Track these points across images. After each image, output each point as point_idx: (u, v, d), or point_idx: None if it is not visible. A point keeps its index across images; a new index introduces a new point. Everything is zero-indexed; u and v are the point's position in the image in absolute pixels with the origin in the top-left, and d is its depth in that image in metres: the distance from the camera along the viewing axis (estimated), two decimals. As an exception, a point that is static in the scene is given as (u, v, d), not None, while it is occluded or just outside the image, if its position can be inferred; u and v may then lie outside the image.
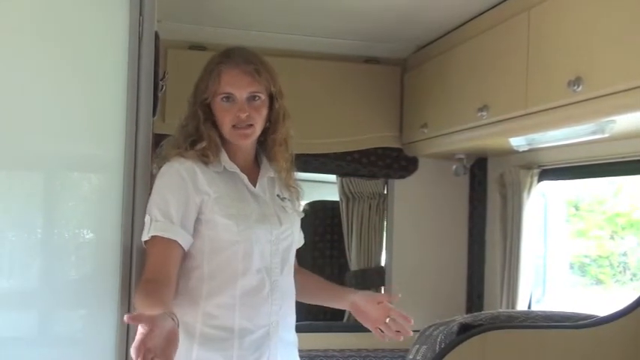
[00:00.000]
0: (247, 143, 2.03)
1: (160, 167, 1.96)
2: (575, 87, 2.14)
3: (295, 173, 2.14)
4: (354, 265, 3.87)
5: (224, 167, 1.99)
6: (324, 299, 2.24)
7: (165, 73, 2.19)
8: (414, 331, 2.06)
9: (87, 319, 1.97)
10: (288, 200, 2.10)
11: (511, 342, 2.20)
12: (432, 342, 2.15)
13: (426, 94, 3.29)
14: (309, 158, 3.34)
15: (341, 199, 3.87)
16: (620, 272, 4.35)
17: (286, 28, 3.19)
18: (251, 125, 1.97)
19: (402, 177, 3.58)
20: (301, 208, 2.23)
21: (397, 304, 2.07)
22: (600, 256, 4.34)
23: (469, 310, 3.52)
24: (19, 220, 1.90)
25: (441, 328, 2.18)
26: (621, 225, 4.25)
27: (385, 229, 3.78)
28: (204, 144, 1.96)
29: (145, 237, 1.88)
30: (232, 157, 2.01)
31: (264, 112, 2.00)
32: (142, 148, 1.94)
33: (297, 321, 2.09)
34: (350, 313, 2.19)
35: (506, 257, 3.18)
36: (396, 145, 3.52)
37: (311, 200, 4.29)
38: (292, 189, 2.13)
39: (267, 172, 2.07)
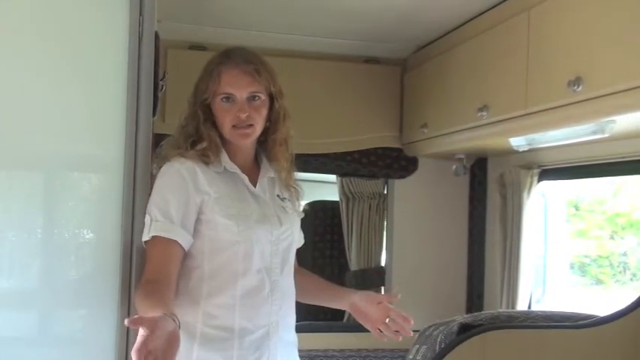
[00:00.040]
0: (247, 143, 2.03)
1: (160, 167, 1.96)
2: (575, 87, 2.14)
3: (295, 173, 2.14)
4: (354, 265, 3.87)
5: (224, 167, 1.99)
6: (323, 299, 2.24)
7: (165, 73, 2.19)
8: (414, 331, 2.06)
9: (87, 319, 1.97)
10: (288, 200, 2.10)
11: (511, 342, 2.19)
12: (432, 342, 2.15)
13: (426, 94, 3.29)
14: (309, 158, 3.34)
15: (341, 199, 3.86)
16: (620, 272, 4.35)
17: (286, 28, 3.19)
18: (251, 125, 1.97)
19: (402, 177, 3.58)
20: (301, 208, 2.23)
21: (397, 304, 2.07)
22: (600, 256, 4.34)
23: (469, 310, 3.52)
24: (19, 220, 1.90)
25: (441, 328, 2.18)
26: (621, 225, 4.25)
27: (385, 229, 3.78)
28: (204, 144, 1.96)
29: (146, 237, 1.88)
30: (232, 158, 2.01)
31: (264, 112, 2.00)
32: (142, 148, 1.94)
33: (297, 321, 2.09)
34: (350, 313, 2.19)
35: (507, 257, 3.18)
36: (396, 145, 3.52)
37: (311, 200, 4.29)
38: (292, 189, 2.13)
39: (267, 172, 2.07)
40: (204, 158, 1.96)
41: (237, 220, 1.93)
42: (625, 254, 4.31)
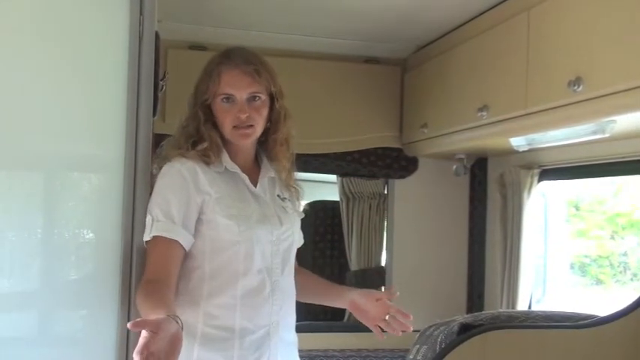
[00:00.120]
0: (248, 143, 2.03)
1: (161, 167, 1.96)
2: (576, 87, 2.14)
3: (295, 173, 2.14)
4: (354, 265, 3.87)
5: (225, 167, 1.99)
6: (323, 298, 2.24)
7: (165, 73, 2.19)
8: (414, 331, 2.06)
9: (87, 319, 1.97)
10: (289, 200, 2.10)
11: (511, 342, 2.19)
12: (432, 342, 2.15)
13: (426, 94, 3.29)
14: (309, 158, 3.34)
15: (341, 199, 3.87)
16: (620, 272, 4.35)
17: (286, 28, 3.19)
18: (251, 126, 1.97)
19: (402, 177, 3.59)
20: (301, 208, 2.23)
21: (397, 304, 2.07)
22: (600, 256, 4.34)
23: (469, 310, 3.52)
24: (19, 220, 1.89)
25: (441, 328, 2.18)
26: (621, 225, 4.25)
27: (385, 229, 3.78)
28: (205, 144, 1.96)
29: (147, 237, 1.88)
30: (233, 158, 2.01)
31: (265, 112, 2.00)
32: (142, 148, 1.94)
33: (297, 321, 2.09)
34: (350, 313, 2.19)
35: (507, 257, 3.18)
36: (396, 145, 3.52)
37: (311, 200, 4.30)
38: (292, 189, 2.13)
39: (267, 173, 2.07)
40: (205, 158, 1.96)
41: (238, 220, 1.93)
42: (625, 254, 4.31)
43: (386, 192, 3.75)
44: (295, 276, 2.08)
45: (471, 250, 3.60)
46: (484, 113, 2.67)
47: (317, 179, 4.43)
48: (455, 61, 3.02)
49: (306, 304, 2.18)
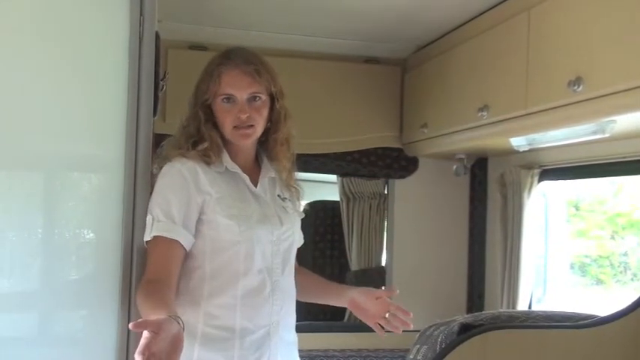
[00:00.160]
0: (248, 143, 2.03)
1: (161, 167, 1.96)
2: (576, 87, 2.14)
3: (296, 173, 2.15)
4: (354, 265, 3.87)
5: (226, 167, 1.99)
6: (323, 297, 2.24)
7: (165, 73, 2.19)
8: (414, 331, 2.06)
9: (87, 319, 1.97)
10: (289, 200, 2.10)
11: (512, 342, 2.19)
12: (432, 342, 2.15)
13: (426, 94, 3.29)
14: (310, 158, 3.34)
15: (341, 199, 3.87)
16: (620, 272, 4.35)
17: (286, 28, 3.19)
18: (252, 126, 1.97)
19: (403, 177, 3.58)
20: (302, 208, 2.23)
21: (397, 304, 2.07)
22: (601, 256, 4.34)
23: (470, 310, 3.52)
24: (19, 220, 1.89)
25: (441, 328, 2.18)
26: (622, 225, 4.24)
27: (386, 229, 3.78)
28: (206, 144, 1.96)
29: (147, 237, 1.88)
30: (233, 158, 2.01)
31: (265, 112, 2.00)
32: (142, 148, 1.94)
33: (297, 321, 2.09)
34: (350, 313, 2.19)
35: (507, 257, 3.18)
36: (396, 145, 3.52)
37: (311, 200, 4.30)
38: (293, 189, 2.13)
39: (268, 173, 2.07)
40: (206, 158, 1.96)
41: (239, 220, 1.93)
42: (625, 254, 4.31)
43: (386, 192, 3.75)
44: (295, 276, 2.08)
45: (471, 250, 3.60)
46: (484, 113, 2.67)
47: (317, 179, 4.43)
48: (455, 61, 3.02)
49: (306, 304, 2.18)
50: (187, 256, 1.93)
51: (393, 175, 3.58)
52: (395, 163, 3.55)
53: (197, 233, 1.93)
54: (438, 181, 3.58)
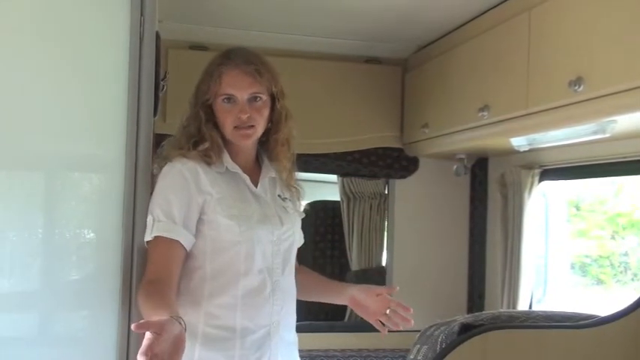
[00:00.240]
0: (249, 143, 2.03)
1: (162, 167, 1.96)
2: (576, 87, 2.14)
3: (296, 173, 2.15)
4: (354, 265, 3.87)
5: (226, 168, 1.99)
6: (323, 296, 2.25)
7: (166, 73, 2.19)
8: (414, 330, 2.06)
9: (88, 319, 1.97)
10: (289, 200, 2.10)
11: (512, 342, 2.19)
12: (432, 342, 2.15)
13: (426, 94, 3.29)
14: (310, 158, 3.34)
15: (342, 199, 3.87)
16: (621, 272, 4.34)
17: (286, 28, 3.19)
18: (252, 126, 1.97)
19: (403, 177, 3.58)
20: (302, 208, 2.23)
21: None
22: (601, 256, 4.33)
23: (470, 310, 3.52)
24: (19, 220, 1.89)
25: (442, 328, 2.18)
26: (622, 225, 4.24)
27: (386, 229, 3.78)
28: (206, 145, 1.96)
29: (148, 237, 1.88)
30: (234, 158, 2.01)
31: (266, 112, 2.00)
32: (142, 148, 1.94)
33: (297, 321, 2.09)
34: (351, 313, 2.19)
35: (507, 257, 3.18)
36: (396, 145, 3.52)
37: (312, 200, 4.30)
38: (293, 189, 2.13)
39: (268, 173, 2.07)
40: (206, 159, 1.96)
41: (239, 220, 1.93)
42: (626, 254, 4.30)
43: (386, 192, 3.76)
44: (296, 275, 2.08)
45: (471, 250, 3.60)
46: (485, 113, 2.67)
47: (317, 179, 4.43)
48: (456, 61, 3.02)
49: (306, 303, 2.18)
50: (188, 256, 1.93)
51: (394, 175, 3.58)
52: (395, 163, 3.55)
53: (198, 233, 1.93)
54: (439, 181, 3.58)
